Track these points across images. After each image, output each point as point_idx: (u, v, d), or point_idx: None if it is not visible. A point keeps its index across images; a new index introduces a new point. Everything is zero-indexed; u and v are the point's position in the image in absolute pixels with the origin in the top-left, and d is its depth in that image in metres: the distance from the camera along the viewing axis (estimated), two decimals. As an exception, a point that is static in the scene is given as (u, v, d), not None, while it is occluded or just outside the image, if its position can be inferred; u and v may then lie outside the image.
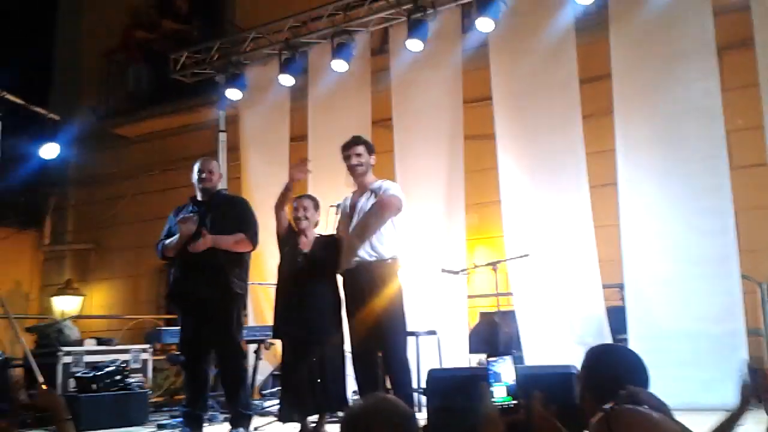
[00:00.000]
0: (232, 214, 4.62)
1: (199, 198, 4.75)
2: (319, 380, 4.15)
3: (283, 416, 4.32)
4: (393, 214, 4.32)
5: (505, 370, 2.01)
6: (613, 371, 1.99)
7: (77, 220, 11.32)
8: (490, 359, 2.05)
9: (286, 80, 7.18)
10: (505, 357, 2.03)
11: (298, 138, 7.53)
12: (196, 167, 4.75)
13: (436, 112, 6.56)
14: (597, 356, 2.09)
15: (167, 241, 4.64)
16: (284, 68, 7.15)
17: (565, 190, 5.82)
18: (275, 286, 4.52)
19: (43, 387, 3.02)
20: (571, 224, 5.77)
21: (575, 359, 2.36)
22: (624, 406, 1.55)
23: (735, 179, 5.36)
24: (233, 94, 7.52)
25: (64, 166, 10.76)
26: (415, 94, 6.74)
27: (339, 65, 6.84)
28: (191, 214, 4.53)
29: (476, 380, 2.05)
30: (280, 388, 4.52)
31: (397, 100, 6.85)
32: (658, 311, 5.33)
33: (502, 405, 1.96)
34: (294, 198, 4.59)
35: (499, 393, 1.98)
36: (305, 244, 4.41)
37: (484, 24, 6.11)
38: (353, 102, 7.08)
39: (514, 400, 1.96)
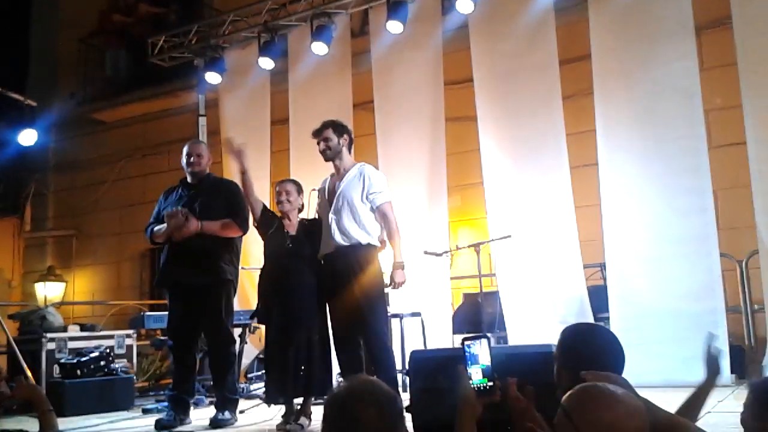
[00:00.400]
0: (221, 198, 4.59)
1: (189, 181, 4.72)
2: (304, 363, 4.16)
3: (269, 398, 4.34)
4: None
5: (481, 352, 2.02)
6: (588, 350, 2.01)
7: (58, 206, 11.21)
8: (466, 341, 2.06)
9: (266, 63, 7.12)
10: (480, 339, 2.05)
11: (279, 121, 7.50)
12: (184, 150, 4.71)
13: (418, 94, 6.56)
14: (572, 335, 2.11)
15: (156, 228, 4.61)
16: (263, 51, 7.09)
17: (547, 171, 5.85)
18: (260, 270, 4.52)
19: (24, 379, 3.03)
20: (552, 205, 5.82)
21: (557, 338, 2.39)
22: (589, 383, 1.57)
23: (714, 158, 5.41)
24: (212, 77, 7.46)
25: (44, 152, 10.65)
26: (396, 76, 6.72)
27: (319, 48, 6.80)
28: (179, 208, 4.48)
29: (457, 361, 2.06)
30: (265, 371, 4.54)
31: (377, 83, 6.83)
32: (638, 290, 5.40)
33: (478, 387, 1.97)
34: (276, 183, 4.58)
35: (475, 375, 1.99)
36: (290, 227, 4.41)
37: (464, 5, 6.09)
38: (334, 85, 7.05)
39: (490, 381, 1.97)
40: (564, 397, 1.56)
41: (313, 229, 4.42)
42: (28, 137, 6.40)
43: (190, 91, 8.35)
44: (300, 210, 4.53)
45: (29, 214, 11.30)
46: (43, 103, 8.28)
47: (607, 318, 5.48)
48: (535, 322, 5.67)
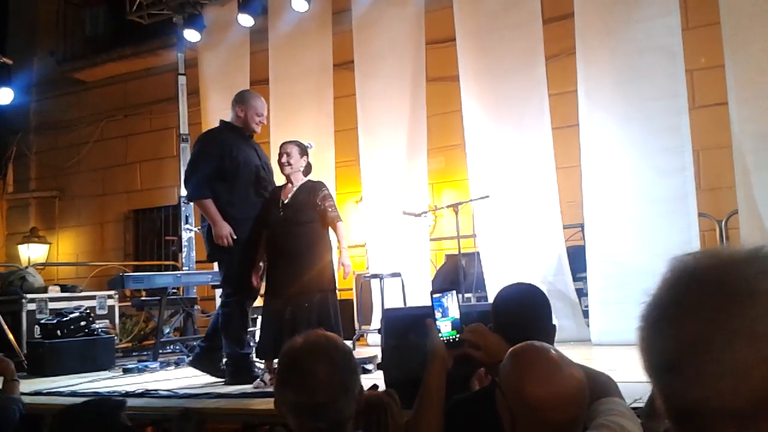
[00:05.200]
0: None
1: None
2: (293, 325, 4.12)
3: (259, 353, 4.37)
4: None
5: (451, 306, 2.02)
6: (520, 310, 2.03)
7: (40, 167, 11.11)
8: (435, 295, 2.06)
9: (245, 20, 6.98)
10: (449, 292, 2.05)
11: (259, 81, 7.38)
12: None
13: (399, 53, 6.46)
14: (504, 297, 2.12)
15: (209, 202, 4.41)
16: (243, 8, 6.95)
17: (528, 131, 5.82)
18: None
19: None
20: (533, 165, 5.79)
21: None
22: (526, 343, 1.57)
23: (696, 118, 5.39)
24: (191, 35, 7.32)
25: (25, 113, 10.53)
26: (377, 34, 6.62)
27: (299, 4, 6.66)
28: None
29: (428, 317, 2.06)
30: (260, 327, 4.57)
31: (358, 41, 6.72)
32: (617, 249, 5.41)
33: (448, 339, 1.98)
34: (280, 144, 4.48)
35: (444, 328, 2.00)
36: (287, 193, 4.34)
37: (446, -39, 5.98)
38: (314, 43, 6.95)
39: (458, 334, 1.98)
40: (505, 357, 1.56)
41: (314, 188, 4.34)
42: (4, 96, 6.31)
43: (170, 49, 8.22)
44: (308, 170, 4.46)
45: (11, 176, 11.20)
46: (22, 63, 8.16)
47: (585, 278, 5.51)
48: (515, 282, 5.68)
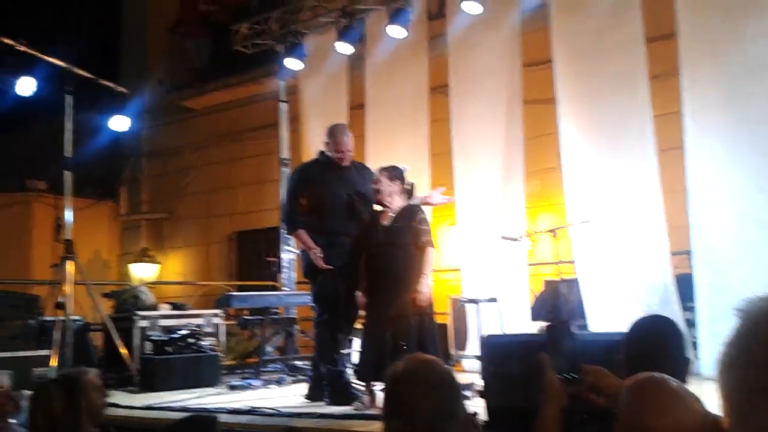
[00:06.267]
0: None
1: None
2: (392, 349, 4.15)
3: (359, 375, 4.45)
4: None
5: (566, 340, 1.98)
6: (654, 342, 1.97)
7: (151, 190, 11.75)
8: (550, 328, 2.04)
9: (344, 48, 7.18)
10: (565, 326, 2.01)
11: (357, 106, 7.57)
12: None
13: (494, 76, 6.46)
14: (638, 328, 2.08)
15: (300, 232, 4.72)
16: (341, 36, 7.15)
17: (630, 154, 5.66)
18: None
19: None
20: (637, 189, 5.61)
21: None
22: (647, 373, 1.54)
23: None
24: (293, 63, 7.59)
25: (137, 139, 11.15)
26: (473, 58, 6.64)
27: (396, 31, 6.79)
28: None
29: (533, 346, 2.05)
30: (360, 349, 4.67)
31: (454, 65, 6.76)
32: (727, 277, 5.16)
33: (565, 377, 1.93)
34: None
35: (559, 364, 1.95)
36: (385, 216, 4.45)
37: (544, -17, 5.95)
38: (410, 68, 7.05)
39: (574, 372, 1.93)
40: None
41: (412, 212, 4.41)
42: (120, 123, 6.62)
43: (272, 77, 8.54)
44: (408, 192, 4.55)
45: (124, 198, 11.91)
46: (134, 91, 8.66)
47: (694, 307, 5.28)
48: (617, 310, 5.52)
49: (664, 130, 5.77)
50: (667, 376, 1.52)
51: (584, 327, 5.66)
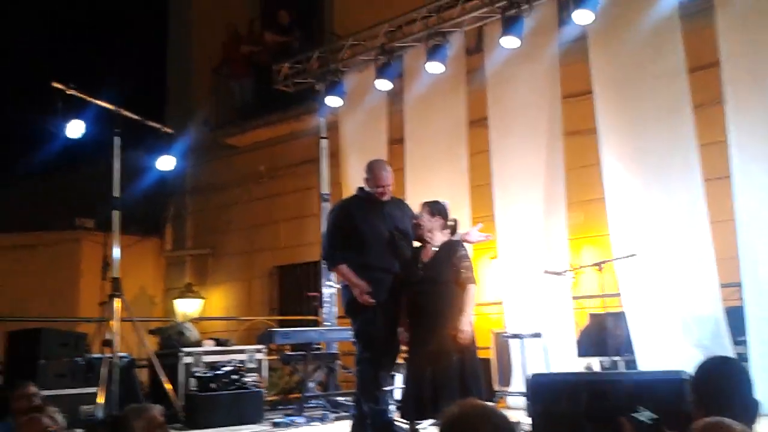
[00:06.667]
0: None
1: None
2: (433, 386, 4.12)
3: (402, 412, 4.41)
4: None
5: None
6: (721, 384, 1.95)
7: (195, 226, 11.95)
8: (633, 414, 2.04)
9: (383, 85, 7.28)
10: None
11: (396, 141, 7.63)
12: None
13: (533, 108, 6.45)
14: (705, 370, 2.05)
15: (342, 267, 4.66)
16: (380, 73, 7.25)
17: (675, 185, 5.57)
18: None
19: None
20: (683, 220, 5.51)
21: (691, 363, 2.29)
22: (714, 418, 1.50)
23: None
24: (333, 101, 7.71)
25: (181, 176, 11.38)
26: (511, 91, 6.66)
27: (434, 67, 6.86)
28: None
29: (580, 387, 2.04)
30: (403, 386, 4.63)
31: (492, 99, 6.78)
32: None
33: (643, 421, 1.95)
34: None
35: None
36: (426, 253, 4.44)
37: (582, 16, 5.94)
38: (449, 103, 7.09)
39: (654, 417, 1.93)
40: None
41: (451, 248, 4.39)
42: (167, 163, 6.73)
43: (312, 114, 8.68)
44: (451, 228, 4.52)
45: (169, 235, 12.13)
46: (179, 131, 8.87)
47: (746, 341, 5.12)
48: (666, 345, 5.38)
49: (707, 159, 5.67)
50: (732, 422, 1.48)
51: (632, 363, 5.53)
